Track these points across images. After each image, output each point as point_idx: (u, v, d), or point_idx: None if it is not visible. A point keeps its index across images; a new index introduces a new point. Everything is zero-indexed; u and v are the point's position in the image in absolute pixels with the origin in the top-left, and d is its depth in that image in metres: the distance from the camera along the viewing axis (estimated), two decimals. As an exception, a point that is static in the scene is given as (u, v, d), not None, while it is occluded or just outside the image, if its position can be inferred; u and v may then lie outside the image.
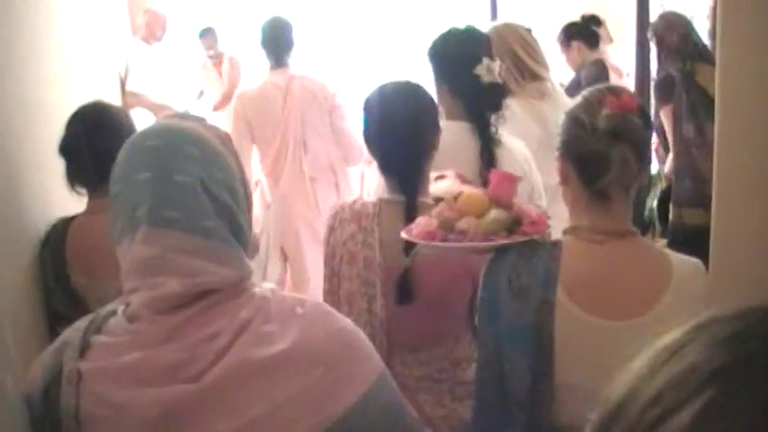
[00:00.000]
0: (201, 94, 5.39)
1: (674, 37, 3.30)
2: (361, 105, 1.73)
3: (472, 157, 1.97)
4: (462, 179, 1.86)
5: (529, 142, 2.20)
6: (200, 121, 1.02)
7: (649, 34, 3.46)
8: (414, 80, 1.74)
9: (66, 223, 1.83)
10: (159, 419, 0.86)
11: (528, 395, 1.24)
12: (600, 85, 1.33)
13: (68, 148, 1.80)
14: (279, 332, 0.90)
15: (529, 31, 2.54)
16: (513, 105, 2.31)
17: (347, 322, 0.99)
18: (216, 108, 5.19)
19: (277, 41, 3.27)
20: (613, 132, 1.22)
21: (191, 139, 0.94)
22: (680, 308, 1.22)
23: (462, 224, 1.38)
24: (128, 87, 4.01)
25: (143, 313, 0.90)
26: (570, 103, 2.61)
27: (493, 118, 2.02)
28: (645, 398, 0.42)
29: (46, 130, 1.84)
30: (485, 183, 1.93)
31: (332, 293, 1.68)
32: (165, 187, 0.91)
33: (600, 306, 1.24)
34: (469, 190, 1.52)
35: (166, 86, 4.40)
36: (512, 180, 1.49)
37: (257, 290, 0.96)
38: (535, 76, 2.47)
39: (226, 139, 1.00)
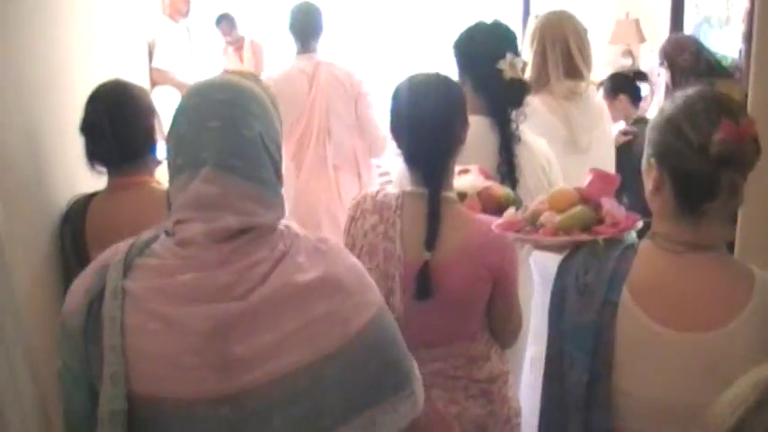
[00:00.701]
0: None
1: (685, 56, 3.25)
2: (389, 96, 1.70)
3: (491, 153, 1.96)
4: (486, 174, 1.84)
5: (553, 141, 2.18)
6: (256, 80, 1.16)
7: (659, 59, 3.40)
8: (443, 72, 1.72)
9: (86, 200, 1.83)
10: (209, 331, 0.99)
11: (584, 396, 1.22)
12: (709, 97, 1.21)
13: (90, 127, 1.79)
14: (307, 263, 1.06)
15: (586, 31, 2.51)
16: (535, 103, 2.29)
17: (356, 260, 1.15)
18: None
19: (305, 26, 3.25)
20: (726, 159, 1.15)
21: (254, 97, 1.10)
22: (756, 330, 1.15)
23: (543, 218, 1.39)
24: (153, 64, 4.05)
25: (200, 240, 1.02)
26: (601, 104, 2.61)
27: (514, 114, 2.00)
28: (761, 430, 0.44)
29: (71, 105, 1.83)
30: (503, 179, 1.93)
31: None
32: (233, 137, 1.05)
33: (666, 314, 1.20)
34: (561, 186, 1.52)
35: (191, 65, 4.42)
36: (608, 181, 1.46)
37: (283, 227, 1.11)
38: (575, 73, 2.44)
39: (273, 98, 1.16)
